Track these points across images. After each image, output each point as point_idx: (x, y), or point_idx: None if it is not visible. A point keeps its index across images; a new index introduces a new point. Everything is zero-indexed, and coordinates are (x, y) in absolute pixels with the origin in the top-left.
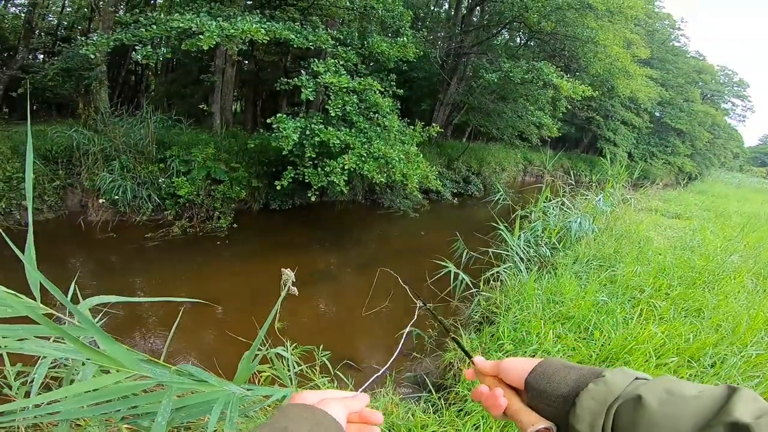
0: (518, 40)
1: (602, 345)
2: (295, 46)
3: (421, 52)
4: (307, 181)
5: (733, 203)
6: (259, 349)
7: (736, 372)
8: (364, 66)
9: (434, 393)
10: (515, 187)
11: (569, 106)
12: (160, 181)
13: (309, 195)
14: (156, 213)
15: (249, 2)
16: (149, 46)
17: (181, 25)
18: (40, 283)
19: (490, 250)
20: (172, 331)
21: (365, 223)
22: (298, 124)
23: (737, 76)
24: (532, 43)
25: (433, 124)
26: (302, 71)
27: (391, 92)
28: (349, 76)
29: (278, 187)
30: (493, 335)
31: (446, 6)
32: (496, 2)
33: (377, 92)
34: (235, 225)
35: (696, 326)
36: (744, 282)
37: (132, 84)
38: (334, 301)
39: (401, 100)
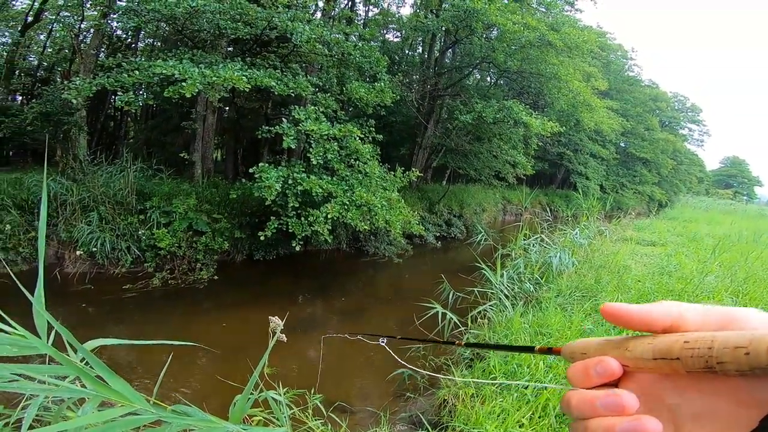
0: (489, 79)
1: None
2: (276, 93)
3: (398, 96)
4: (290, 231)
5: (703, 226)
6: (251, 393)
7: None
8: (343, 112)
9: (431, 431)
10: (496, 226)
11: (540, 143)
12: (140, 233)
13: (293, 245)
14: (135, 265)
15: (230, 49)
16: (131, 92)
17: (163, 71)
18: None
19: (475, 289)
20: (162, 372)
21: (350, 270)
22: (281, 173)
23: (689, 102)
24: (501, 82)
25: (413, 169)
26: (283, 119)
27: (370, 138)
28: (329, 123)
29: (262, 238)
30: (484, 370)
31: (420, 50)
32: (466, 44)
33: (357, 138)
34: (217, 277)
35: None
36: (723, 301)
37: (111, 130)
38: (324, 348)
39: (380, 145)
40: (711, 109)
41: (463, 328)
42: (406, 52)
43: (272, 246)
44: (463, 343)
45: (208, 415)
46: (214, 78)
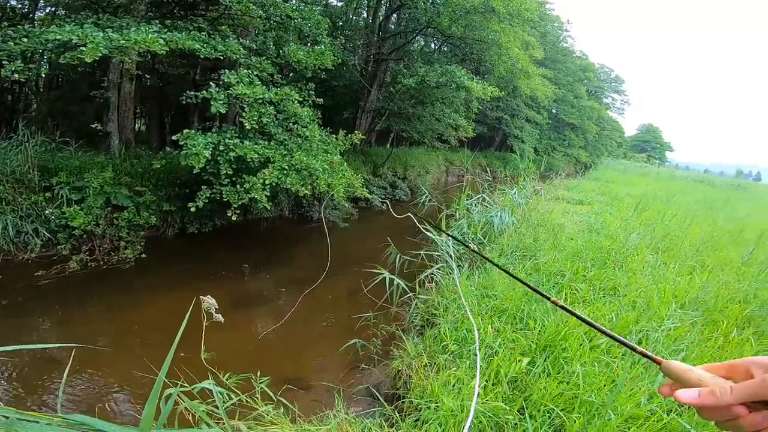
0: (432, 45)
1: (538, 334)
2: (202, 57)
3: (340, 60)
4: (225, 200)
5: (623, 187)
6: (182, 386)
7: (661, 347)
8: (280, 76)
9: (387, 405)
10: (439, 187)
11: (480, 107)
12: (47, 212)
13: (230, 215)
14: (47, 248)
15: (150, 14)
16: (19, 61)
17: (58, 37)
18: None
19: (421, 252)
20: (64, 378)
21: (295, 238)
22: (210, 139)
23: (614, 73)
24: (445, 48)
25: (356, 131)
26: (211, 83)
27: (310, 101)
28: (264, 87)
29: (193, 209)
30: (436, 337)
31: (364, 14)
32: (411, 9)
33: (296, 102)
34: (145, 255)
35: (615, 305)
36: (645, 257)
37: (9, 104)
38: (270, 324)
39: (322, 109)
40: (632, 81)
41: (411, 294)
42: (350, 16)
43: (207, 217)
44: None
45: (109, 424)
46: (123, 41)
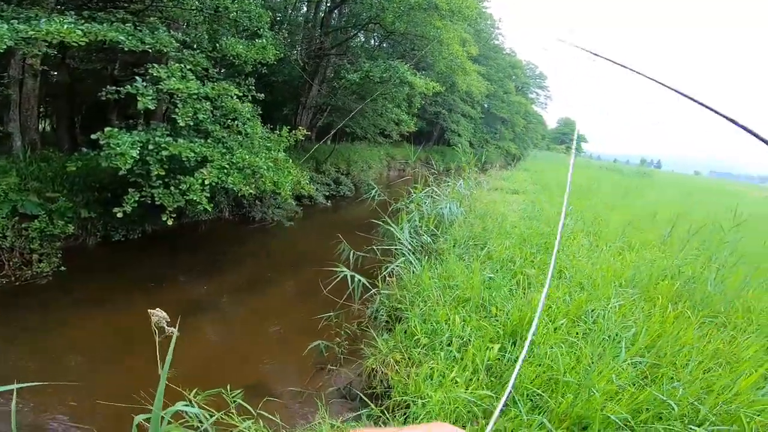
0: (372, 41)
1: (505, 320)
2: (126, 49)
3: (282, 54)
4: (158, 203)
5: (550, 176)
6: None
7: (612, 325)
8: (216, 70)
9: (375, 407)
10: (382, 182)
11: (421, 102)
12: None
13: (164, 219)
14: None
15: (60, 6)
16: None
17: None
18: None
19: (375, 247)
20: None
21: (238, 240)
22: (137, 138)
23: (538, 70)
24: (385, 45)
25: (300, 128)
26: (137, 78)
27: (250, 97)
28: (199, 82)
29: (120, 215)
30: (406, 332)
31: (304, 9)
32: (354, 4)
33: (234, 97)
34: (64, 267)
35: (566, 288)
36: (581, 241)
37: None
38: (222, 333)
39: (262, 105)
40: (554, 78)
41: (373, 290)
42: (289, 11)
43: (135, 222)
44: None
45: None
46: (31, 32)
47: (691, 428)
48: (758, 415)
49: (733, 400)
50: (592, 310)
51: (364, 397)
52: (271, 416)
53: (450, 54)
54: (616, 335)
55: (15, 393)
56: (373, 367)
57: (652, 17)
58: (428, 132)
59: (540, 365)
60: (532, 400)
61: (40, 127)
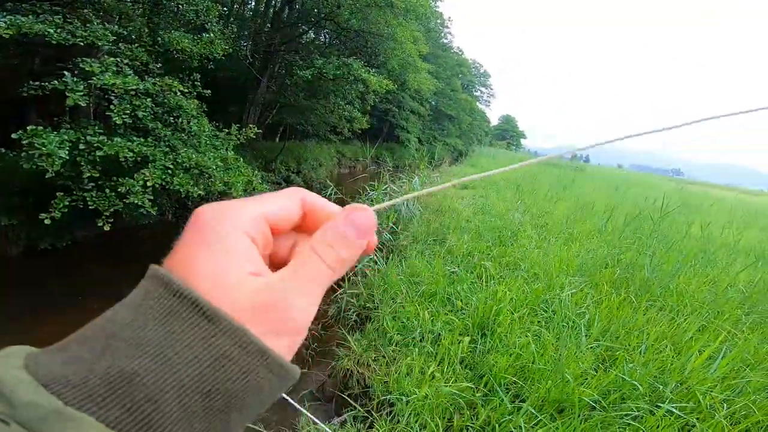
0: (322, 38)
1: (473, 313)
2: (54, 43)
3: (231, 49)
4: (92, 207)
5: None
6: None
7: (570, 313)
8: (158, 65)
9: (360, 408)
10: (333, 180)
11: (377, 99)
12: None
13: (100, 224)
14: None
15: None
16: None
17: None
18: None
19: None
20: None
21: None
22: (66, 137)
23: (483, 68)
24: (336, 42)
25: (250, 126)
26: (66, 72)
27: (195, 93)
28: (137, 77)
29: (48, 221)
30: (377, 330)
31: (253, 4)
32: (308, 1)
33: (179, 94)
34: None
35: (523, 278)
36: (530, 234)
37: None
38: None
39: (207, 102)
40: (498, 76)
41: (339, 291)
42: (235, 6)
43: (65, 229)
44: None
45: None
46: None
47: (657, 405)
48: (711, 392)
49: (686, 379)
50: (549, 299)
51: (347, 398)
52: (254, 426)
53: (403, 52)
54: (573, 322)
55: None
56: (347, 367)
57: (603, 17)
58: (378, 129)
59: (511, 355)
60: (509, 389)
61: None
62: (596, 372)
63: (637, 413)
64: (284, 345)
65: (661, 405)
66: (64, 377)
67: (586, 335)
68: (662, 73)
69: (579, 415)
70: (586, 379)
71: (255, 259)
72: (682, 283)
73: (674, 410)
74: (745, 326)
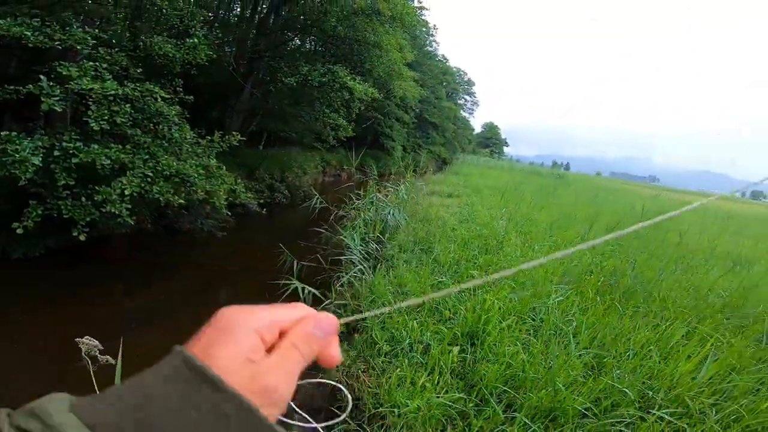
0: (308, 45)
1: (462, 322)
2: (32, 45)
3: (214, 55)
4: (67, 216)
5: (479, 179)
6: None
7: (559, 322)
8: (139, 70)
9: (351, 422)
10: (317, 188)
11: (362, 107)
12: None
13: (76, 234)
14: None
15: None
16: None
17: None
18: None
19: (319, 255)
20: None
21: (164, 253)
22: (40, 143)
23: (467, 76)
24: (322, 49)
25: (234, 133)
26: (41, 77)
27: (177, 99)
28: (116, 82)
29: (20, 231)
30: (366, 341)
31: (237, 10)
32: (296, 6)
33: (160, 99)
34: None
35: (512, 287)
36: (515, 241)
37: None
38: (152, 360)
39: (187, 107)
40: (482, 84)
41: (327, 301)
42: (220, 12)
43: (38, 237)
44: None
45: None
46: None
47: (649, 412)
48: (699, 396)
49: (675, 385)
50: (535, 307)
51: (336, 411)
52: None
53: (389, 60)
54: (561, 330)
55: None
56: (336, 379)
57: (581, 30)
58: (362, 137)
59: (502, 364)
60: (500, 399)
61: None
62: (585, 380)
63: (629, 420)
64: (272, 414)
65: (653, 411)
66: (104, 423)
67: (575, 343)
68: (642, 81)
69: (572, 424)
70: (576, 387)
71: (258, 349)
72: (664, 290)
73: (665, 416)
74: (726, 330)
